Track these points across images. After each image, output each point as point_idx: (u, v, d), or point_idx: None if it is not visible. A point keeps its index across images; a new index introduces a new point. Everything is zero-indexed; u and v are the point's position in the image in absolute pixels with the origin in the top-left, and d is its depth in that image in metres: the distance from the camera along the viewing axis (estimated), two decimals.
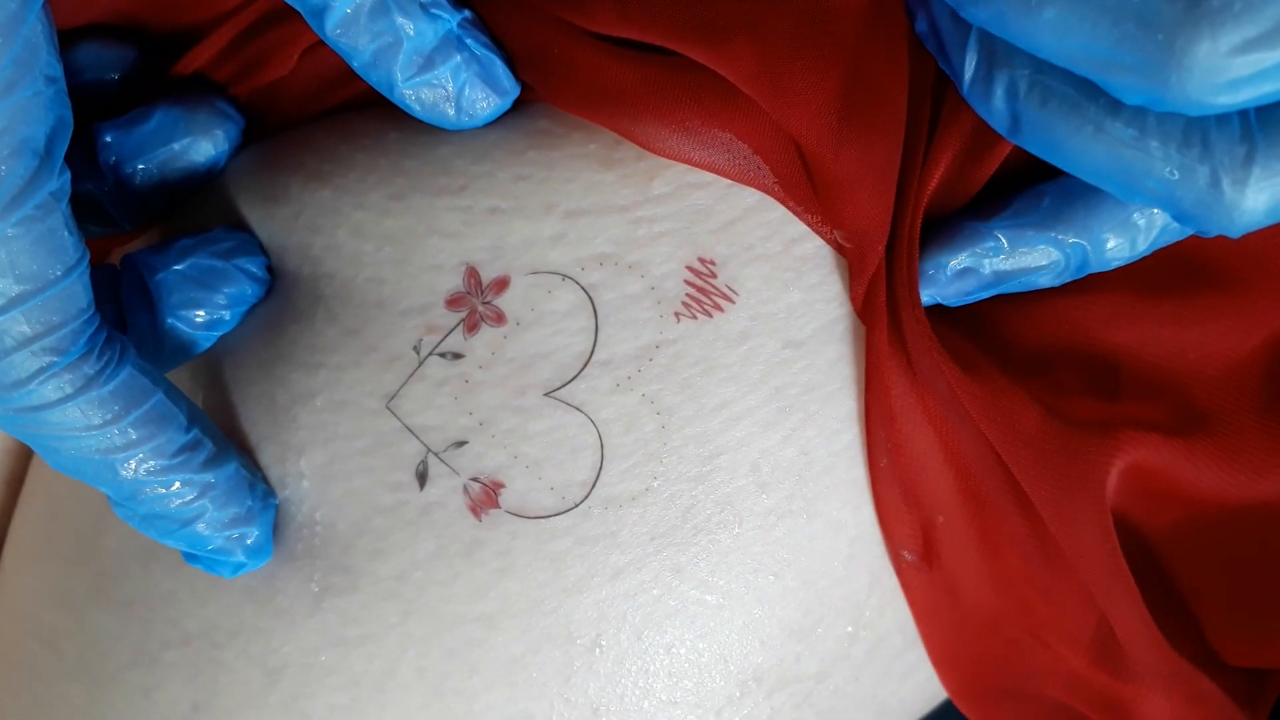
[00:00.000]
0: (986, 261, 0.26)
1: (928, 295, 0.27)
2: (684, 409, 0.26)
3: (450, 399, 0.26)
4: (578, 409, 0.26)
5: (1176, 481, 0.27)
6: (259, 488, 0.26)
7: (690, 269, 0.26)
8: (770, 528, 0.26)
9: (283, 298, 0.28)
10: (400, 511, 0.26)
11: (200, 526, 0.25)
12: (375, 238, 0.27)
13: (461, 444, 0.26)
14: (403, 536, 0.26)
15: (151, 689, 0.27)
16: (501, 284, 0.26)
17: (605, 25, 0.26)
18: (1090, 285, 0.28)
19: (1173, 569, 0.29)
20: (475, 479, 0.26)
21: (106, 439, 0.23)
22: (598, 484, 0.26)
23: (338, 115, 0.29)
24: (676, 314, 0.26)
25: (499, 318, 0.26)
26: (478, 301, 0.26)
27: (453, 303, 0.26)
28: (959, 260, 0.26)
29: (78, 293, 0.22)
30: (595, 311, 0.26)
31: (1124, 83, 0.20)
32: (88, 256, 0.23)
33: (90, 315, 0.23)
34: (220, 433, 0.26)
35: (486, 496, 0.26)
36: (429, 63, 0.25)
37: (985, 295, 0.27)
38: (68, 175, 0.22)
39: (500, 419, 0.26)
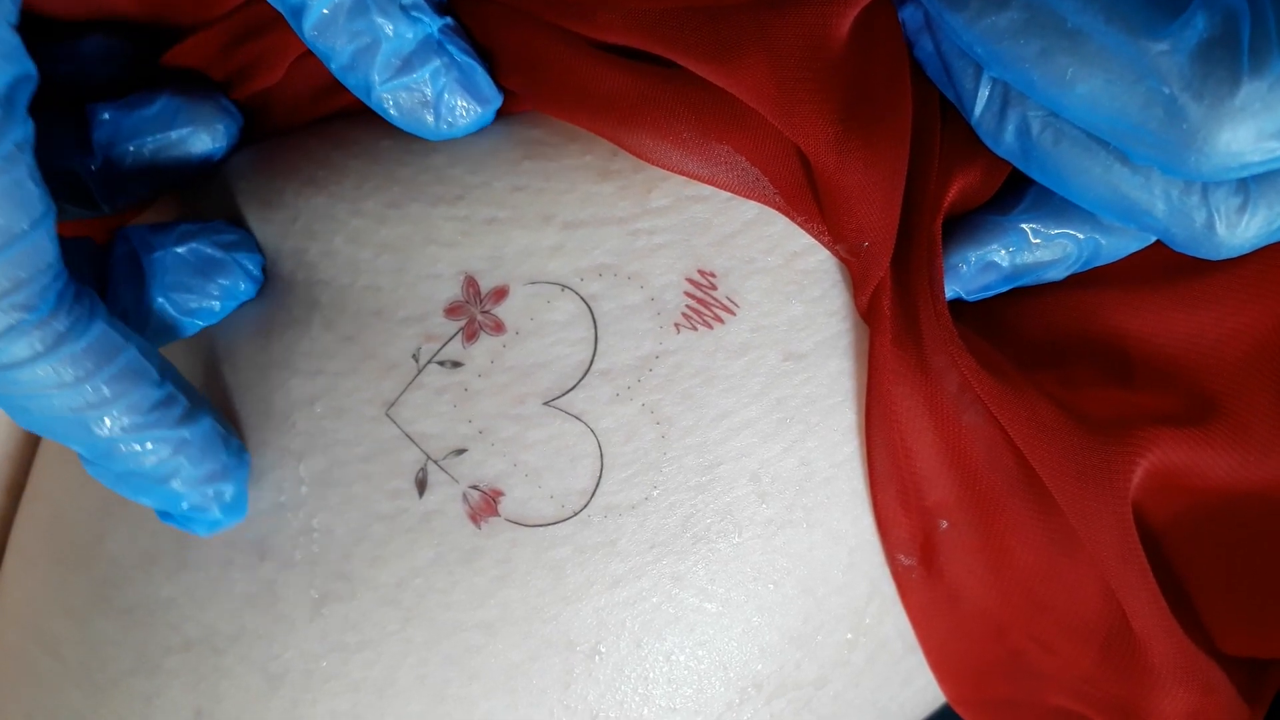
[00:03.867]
0: (1008, 254, 0.27)
1: (951, 290, 0.27)
2: (684, 419, 0.26)
3: (449, 407, 0.26)
4: (577, 418, 0.26)
5: (1188, 473, 0.27)
6: (233, 443, 0.26)
7: (690, 281, 0.26)
8: (770, 537, 0.26)
9: (277, 302, 0.27)
10: (399, 519, 0.26)
11: (175, 484, 0.24)
12: (372, 245, 0.26)
13: (461, 452, 0.26)
14: (402, 544, 0.26)
15: (153, 695, 0.27)
16: (500, 293, 0.26)
17: (610, 33, 0.25)
18: (1098, 274, 0.28)
19: (1174, 557, 0.29)
20: (475, 487, 0.26)
21: (79, 396, 0.22)
22: (597, 492, 0.26)
23: (331, 122, 0.29)
24: (676, 325, 0.26)
25: (498, 327, 0.26)
26: (476, 310, 0.26)
27: (451, 311, 0.26)
28: (984, 254, 0.27)
29: (45, 246, 0.21)
30: (595, 321, 0.26)
31: (1141, 152, 0.21)
32: (54, 211, 0.22)
33: (59, 270, 0.22)
34: (193, 388, 0.25)
35: (486, 504, 0.26)
36: (407, 65, 0.25)
37: (1002, 289, 0.28)
38: (31, 125, 0.21)
39: (499, 427, 0.26)
